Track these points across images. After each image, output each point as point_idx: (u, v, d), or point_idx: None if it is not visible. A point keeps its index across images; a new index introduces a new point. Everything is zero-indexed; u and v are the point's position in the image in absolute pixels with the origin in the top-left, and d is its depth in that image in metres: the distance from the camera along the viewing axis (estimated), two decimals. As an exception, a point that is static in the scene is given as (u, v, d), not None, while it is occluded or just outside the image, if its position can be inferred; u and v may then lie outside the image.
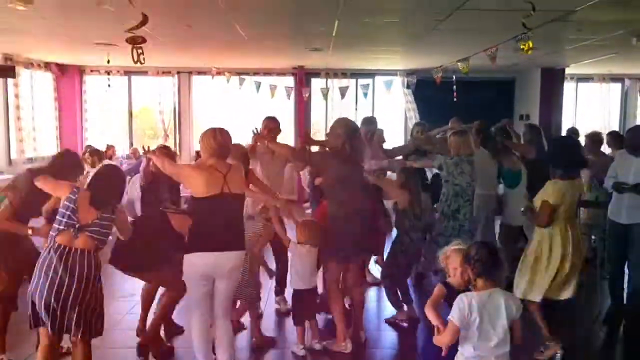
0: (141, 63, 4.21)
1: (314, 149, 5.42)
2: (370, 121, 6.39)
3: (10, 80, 9.32)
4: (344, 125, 4.43)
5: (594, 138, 6.79)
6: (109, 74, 10.94)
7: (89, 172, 8.44)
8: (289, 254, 4.58)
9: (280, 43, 8.00)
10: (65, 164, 4.27)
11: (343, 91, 10.57)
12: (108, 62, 8.75)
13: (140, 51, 3.94)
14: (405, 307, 5.20)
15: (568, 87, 11.36)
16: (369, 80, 11.09)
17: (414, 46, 7.88)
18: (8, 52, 9.11)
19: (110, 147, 10.41)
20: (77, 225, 3.35)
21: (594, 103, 12.10)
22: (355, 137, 4.41)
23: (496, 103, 10.78)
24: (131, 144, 11.59)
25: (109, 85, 10.49)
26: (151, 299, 4.65)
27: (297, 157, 4.78)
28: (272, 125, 5.29)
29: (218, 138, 3.69)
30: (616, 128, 11.59)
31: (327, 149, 4.77)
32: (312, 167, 5.28)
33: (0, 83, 9.23)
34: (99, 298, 3.50)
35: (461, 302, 2.75)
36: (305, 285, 4.33)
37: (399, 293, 5.21)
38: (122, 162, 10.11)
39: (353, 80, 11.21)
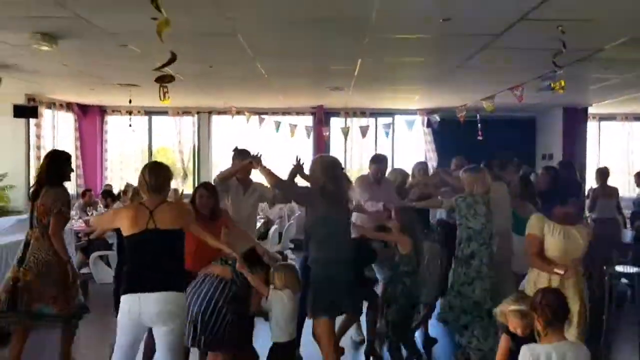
0: (166, 101, 4.16)
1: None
2: (378, 159, 5.83)
3: (32, 120, 9.40)
4: (320, 165, 4.09)
5: None
6: (130, 113, 10.99)
7: (102, 212, 8.46)
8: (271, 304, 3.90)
9: (301, 82, 7.99)
10: None
11: (364, 130, 10.51)
12: (130, 102, 8.79)
13: (165, 89, 3.91)
14: None
15: (590, 126, 11.19)
16: (389, 119, 11.03)
17: (437, 85, 7.84)
18: (31, 93, 9.21)
19: (128, 186, 10.37)
20: None
21: (616, 142, 11.90)
22: (335, 175, 4.05)
23: (517, 142, 10.61)
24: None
25: (130, 126, 10.53)
26: None
27: (283, 188, 4.24)
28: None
29: (147, 174, 3.52)
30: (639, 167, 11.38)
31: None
32: (296, 202, 4.91)
33: (22, 123, 9.28)
34: None
35: (527, 356, 2.65)
36: (285, 337, 3.83)
37: (402, 348, 4.81)
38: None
39: (372, 119, 11.17)
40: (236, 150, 4.90)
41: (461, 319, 4.78)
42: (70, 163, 4.82)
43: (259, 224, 8.75)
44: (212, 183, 4.62)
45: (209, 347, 3.91)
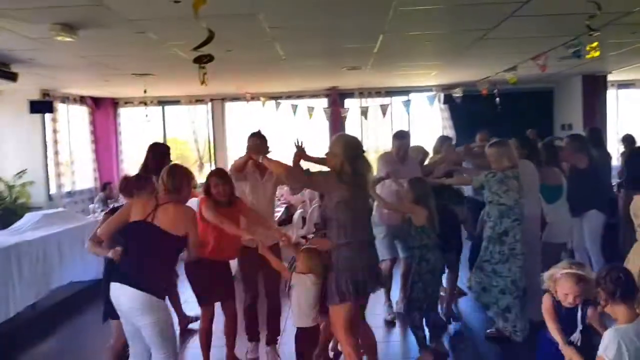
0: (206, 84, 4.07)
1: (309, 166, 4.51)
2: (401, 135, 5.61)
3: (47, 115, 9.35)
4: (342, 143, 3.78)
5: None
6: (145, 104, 10.91)
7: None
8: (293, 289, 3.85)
9: (318, 63, 7.86)
10: None
11: (384, 109, 10.38)
12: (145, 92, 8.72)
13: (204, 71, 3.80)
14: (433, 344, 4.68)
15: (609, 94, 11.01)
16: (405, 98, 10.90)
17: (457, 59, 7.68)
18: (45, 88, 9.15)
19: (146, 178, 10.36)
20: None
21: (635, 109, 11.72)
22: (356, 156, 3.75)
23: (535, 114, 10.49)
24: (167, 174, 11.53)
25: (146, 116, 10.46)
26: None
27: (293, 177, 3.90)
28: (258, 142, 4.54)
29: (165, 175, 3.65)
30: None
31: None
32: (312, 189, 4.55)
33: (38, 119, 9.24)
34: None
35: (613, 336, 2.51)
36: (309, 322, 3.77)
37: (425, 327, 4.66)
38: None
39: (387, 99, 11.04)
40: (258, 134, 4.68)
41: (500, 301, 4.68)
42: (170, 154, 5.32)
43: (281, 209, 8.70)
44: (227, 171, 4.51)
45: None
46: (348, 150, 3.72)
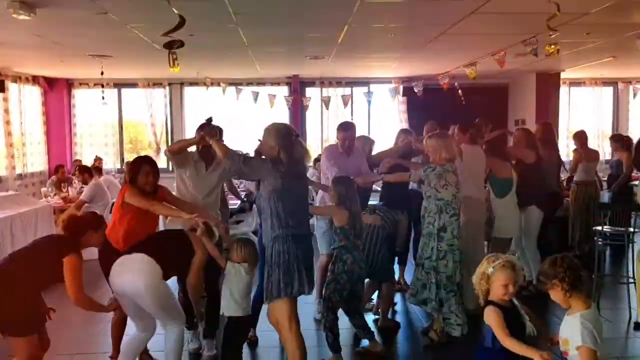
0: (175, 69, 4.00)
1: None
2: (346, 127, 5.38)
3: (-2, 95, 9.03)
4: (274, 132, 3.62)
5: None
6: (102, 86, 10.64)
7: (82, 187, 8.25)
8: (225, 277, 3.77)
9: (281, 50, 7.84)
10: None
11: (346, 99, 10.45)
12: (102, 73, 8.51)
13: (175, 56, 3.73)
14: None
15: (561, 91, 11.36)
16: (365, 89, 10.98)
17: (418, 52, 7.79)
18: (-4, 67, 8.83)
19: (98, 160, 10.15)
20: None
21: (585, 107, 12.14)
22: (290, 142, 3.60)
23: (490, 108, 10.69)
24: (122, 158, 11.32)
25: (103, 98, 10.21)
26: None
27: (231, 160, 3.65)
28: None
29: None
30: (609, 132, 11.67)
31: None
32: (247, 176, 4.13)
33: (-13, 98, 8.90)
34: None
35: (588, 323, 2.54)
36: (240, 311, 3.69)
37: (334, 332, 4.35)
38: (116, 175, 9.86)
39: (348, 89, 11.09)
40: (206, 123, 4.30)
41: (437, 296, 4.62)
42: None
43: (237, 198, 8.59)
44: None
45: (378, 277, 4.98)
46: (281, 139, 3.56)
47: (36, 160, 10.40)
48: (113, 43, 6.95)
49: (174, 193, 4.49)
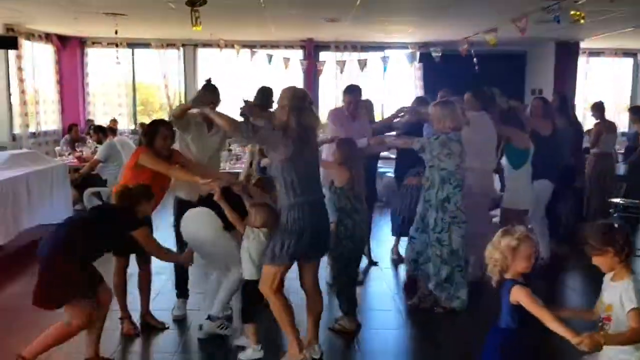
0: (197, 27, 3.93)
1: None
2: (352, 90, 5.30)
3: (11, 53, 8.97)
4: (289, 94, 3.52)
5: None
6: (117, 45, 10.54)
7: (97, 147, 8.26)
8: (243, 241, 3.70)
9: (296, 12, 7.71)
10: None
11: (362, 64, 10.31)
12: (116, 32, 8.43)
13: (197, 14, 3.65)
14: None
15: (580, 61, 11.15)
16: (381, 53, 10.82)
17: (437, 16, 7.64)
18: (9, 23, 8.74)
19: (113, 121, 10.16)
20: None
21: (604, 78, 11.93)
22: (301, 107, 3.48)
23: (507, 77, 10.52)
24: (135, 119, 11.32)
25: (117, 58, 10.15)
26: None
27: (239, 132, 3.63)
28: (207, 94, 4.13)
29: None
30: (627, 103, 11.50)
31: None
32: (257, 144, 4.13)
33: (1, 55, 8.84)
34: None
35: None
36: (259, 275, 3.63)
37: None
38: (129, 137, 9.86)
39: (363, 54, 10.94)
40: (207, 84, 4.21)
41: (442, 271, 4.47)
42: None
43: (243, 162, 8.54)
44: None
45: None
46: (294, 101, 3.47)
47: (49, 119, 10.41)
48: (128, 1, 6.86)
49: None
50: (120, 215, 3.56)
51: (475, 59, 9.50)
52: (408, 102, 6.50)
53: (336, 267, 4.38)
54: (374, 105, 6.14)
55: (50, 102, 10.47)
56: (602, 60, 11.80)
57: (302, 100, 3.50)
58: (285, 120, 3.44)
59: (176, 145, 4.25)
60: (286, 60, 10.11)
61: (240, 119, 4.01)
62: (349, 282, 4.34)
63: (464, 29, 8.70)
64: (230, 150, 7.85)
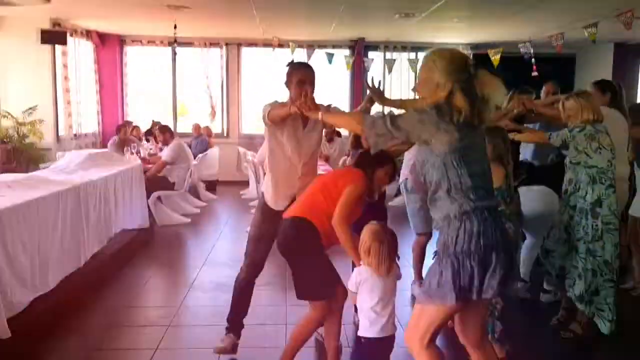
0: None
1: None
2: None
3: (57, 48, 8.48)
4: (445, 63, 2.40)
5: None
6: (170, 43, 9.92)
7: (152, 148, 7.78)
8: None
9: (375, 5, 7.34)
10: None
11: (412, 64, 9.97)
12: (175, 27, 8.00)
13: None
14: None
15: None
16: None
17: (505, 18, 7.27)
18: (56, 17, 8.25)
19: (156, 124, 9.68)
20: None
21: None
22: (467, 78, 2.40)
23: (556, 81, 10.21)
24: (175, 121, 10.85)
25: (175, 54, 9.73)
26: None
27: (374, 131, 2.50)
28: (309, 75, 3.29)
29: None
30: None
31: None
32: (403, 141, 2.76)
33: (47, 51, 8.34)
34: None
35: None
36: (382, 331, 2.83)
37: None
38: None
39: (413, 54, 10.61)
40: (289, 64, 3.39)
41: (591, 285, 3.82)
42: None
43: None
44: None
45: None
46: (457, 73, 2.38)
47: (88, 120, 9.87)
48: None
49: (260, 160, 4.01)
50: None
51: (533, 60, 9.14)
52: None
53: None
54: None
55: (89, 103, 9.94)
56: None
57: (466, 68, 2.43)
58: (446, 99, 2.40)
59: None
60: (347, 57, 9.81)
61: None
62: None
63: (531, 29, 8.36)
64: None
